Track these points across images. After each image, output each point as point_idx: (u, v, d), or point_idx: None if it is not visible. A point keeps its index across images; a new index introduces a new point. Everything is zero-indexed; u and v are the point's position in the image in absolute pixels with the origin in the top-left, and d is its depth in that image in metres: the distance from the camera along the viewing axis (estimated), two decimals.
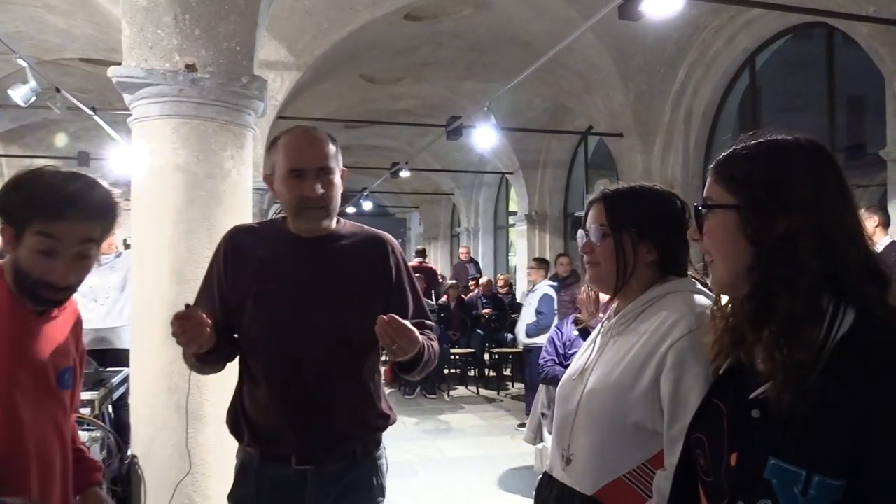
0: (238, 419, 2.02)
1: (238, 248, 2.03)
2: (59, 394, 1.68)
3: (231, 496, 2.04)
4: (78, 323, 1.81)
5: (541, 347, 7.54)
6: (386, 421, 2.08)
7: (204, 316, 1.78)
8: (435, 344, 2.05)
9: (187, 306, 1.82)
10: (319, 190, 1.93)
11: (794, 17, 6.55)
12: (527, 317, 7.85)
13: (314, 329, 1.94)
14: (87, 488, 1.83)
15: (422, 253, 12.44)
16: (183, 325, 1.76)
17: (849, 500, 1.00)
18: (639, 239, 1.65)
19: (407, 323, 1.78)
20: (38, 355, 1.61)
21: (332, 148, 1.99)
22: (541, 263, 8.60)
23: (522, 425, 7.50)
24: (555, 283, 7.94)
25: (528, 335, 7.75)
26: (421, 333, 1.87)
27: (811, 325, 1.06)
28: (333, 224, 2.05)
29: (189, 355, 1.91)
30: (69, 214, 1.53)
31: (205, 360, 1.94)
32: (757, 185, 1.13)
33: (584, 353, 1.77)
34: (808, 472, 1.01)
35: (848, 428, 1.00)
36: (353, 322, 1.94)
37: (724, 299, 1.25)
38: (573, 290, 7.82)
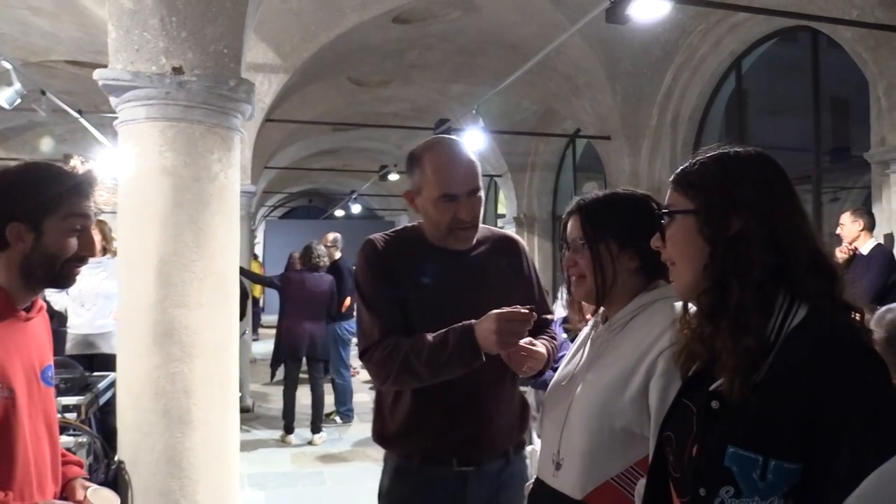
0: (388, 425, 2.05)
1: (386, 258, 2.04)
2: (46, 390, 1.73)
3: (385, 497, 2.09)
4: (48, 322, 1.86)
5: None
6: (527, 421, 2.16)
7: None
8: (555, 340, 2.14)
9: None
10: (472, 212, 1.98)
11: (779, 20, 6.60)
12: None
13: None
14: (71, 481, 1.84)
15: None
16: (522, 325, 1.80)
17: (807, 482, 1.06)
18: (619, 248, 1.66)
19: (536, 346, 1.90)
20: (27, 353, 1.66)
21: (478, 165, 2.03)
22: None
23: None
24: None
25: None
26: (543, 332, 2.09)
27: (760, 315, 1.16)
28: None
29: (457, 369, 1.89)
30: (91, 192, 1.70)
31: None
32: (711, 189, 1.24)
33: (572, 359, 1.78)
34: (765, 458, 1.08)
35: (797, 415, 1.07)
36: None
37: (691, 309, 1.32)
38: None
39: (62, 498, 1.77)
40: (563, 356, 4.45)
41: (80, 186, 1.68)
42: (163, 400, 3.25)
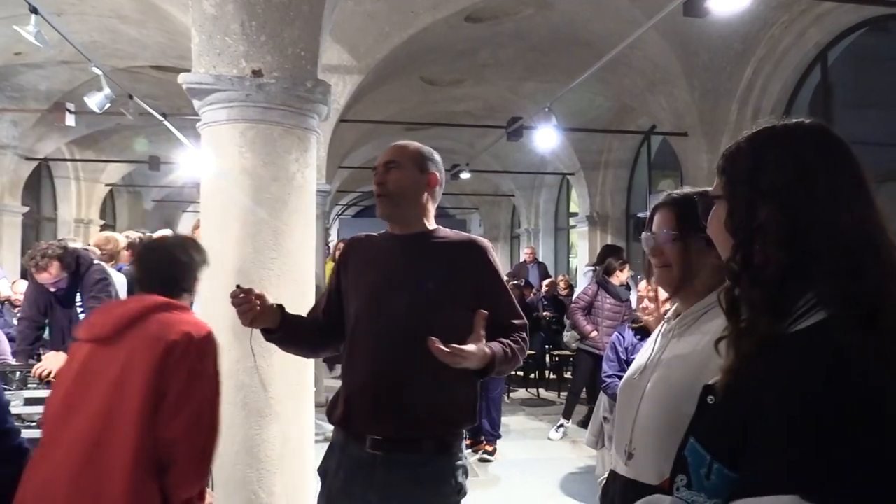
0: (337, 399, 2.21)
1: (352, 247, 2.36)
2: None
3: (319, 468, 2.25)
4: None
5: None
6: (462, 421, 2.16)
7: (258, 293, 2.13)
8: (517, 343, 2.14)
9: (238, 287, 2.14)
10: (378, 178, 2.21)
11: (869, 9, 6.31)
12: None
13: (389, 322, 2.07)
14: None
15: None
16: (236, 300, 2.12)
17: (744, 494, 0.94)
18: (706, 244, 1.66)
19: (465, 347, 1.87)
20: None
21: (404, 148, 2.27)
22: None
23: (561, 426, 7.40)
24: None
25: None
26: (503, 336, 2.08)
27: (770, 318, 1.02)
28: (429, 226, 2.25)
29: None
30: None
31: (270, 339, 2.27)
32: (736, 174, 1.12)
33: (644, 354, 1.81)
34: (711, 458, 1.01)
35: (740, 424, 0.97)
36: (430, 316, 2.04)
37: None
38: None
39: None
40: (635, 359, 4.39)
41: None
42: (242, 393, 3.35)
